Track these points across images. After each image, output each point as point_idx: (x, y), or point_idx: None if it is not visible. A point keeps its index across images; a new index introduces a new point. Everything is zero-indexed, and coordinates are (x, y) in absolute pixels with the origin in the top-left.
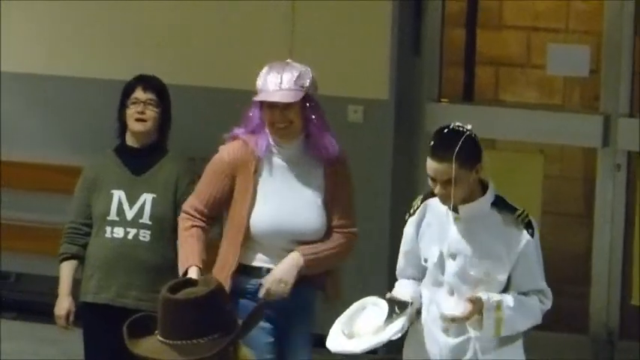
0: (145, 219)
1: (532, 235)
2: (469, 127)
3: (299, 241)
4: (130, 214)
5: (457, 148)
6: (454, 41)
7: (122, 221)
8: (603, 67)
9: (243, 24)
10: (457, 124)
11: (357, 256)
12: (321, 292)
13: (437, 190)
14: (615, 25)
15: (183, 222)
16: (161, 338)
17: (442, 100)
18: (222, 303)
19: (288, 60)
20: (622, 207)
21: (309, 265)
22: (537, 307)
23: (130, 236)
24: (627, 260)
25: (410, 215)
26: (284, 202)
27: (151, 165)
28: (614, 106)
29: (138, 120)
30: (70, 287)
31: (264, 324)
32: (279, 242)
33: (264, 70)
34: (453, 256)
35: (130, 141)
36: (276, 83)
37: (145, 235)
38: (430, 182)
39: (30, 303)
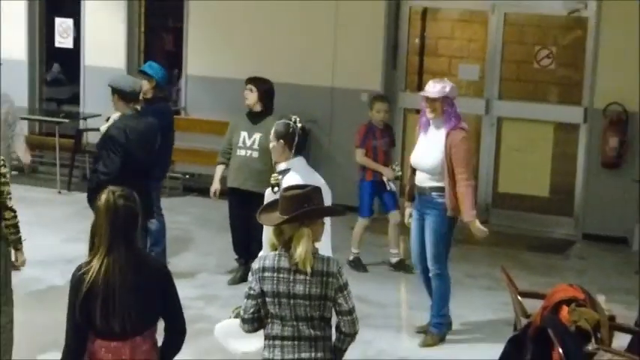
0: None
1: None
2: None
3: None
4: None
5: None
6: None
7: None
8: (486, 75)
9: None
10: None
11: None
12: None
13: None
14: (491, 54)
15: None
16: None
17: None
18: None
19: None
20: (493, 145)
21: None
22: None
23: None
24: (496, 168)
25: None
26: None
27: None
28: (491, 93)
29: None
30: None
31: None
32: None
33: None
34: None
35: None
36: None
37: None
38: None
39: None
